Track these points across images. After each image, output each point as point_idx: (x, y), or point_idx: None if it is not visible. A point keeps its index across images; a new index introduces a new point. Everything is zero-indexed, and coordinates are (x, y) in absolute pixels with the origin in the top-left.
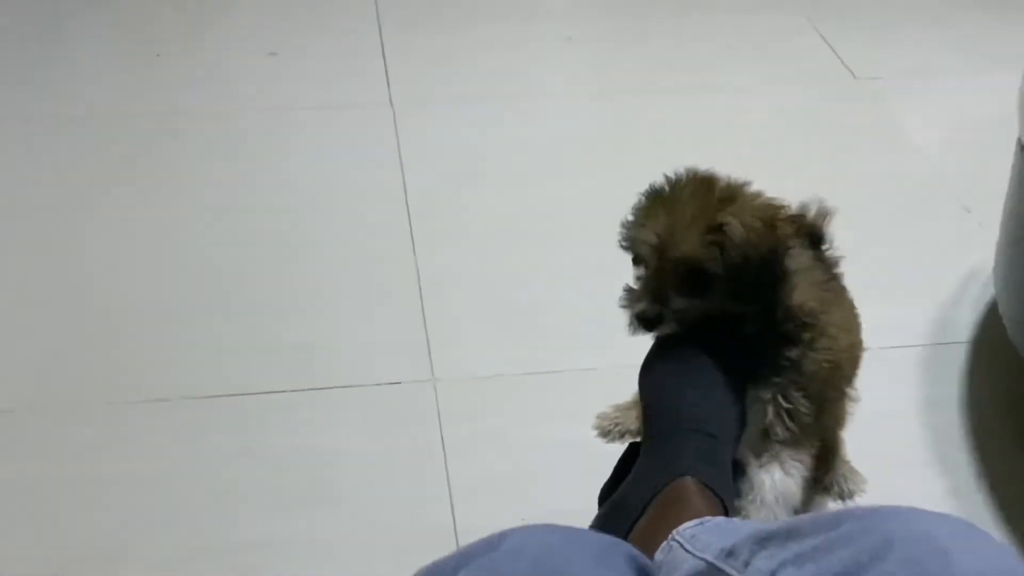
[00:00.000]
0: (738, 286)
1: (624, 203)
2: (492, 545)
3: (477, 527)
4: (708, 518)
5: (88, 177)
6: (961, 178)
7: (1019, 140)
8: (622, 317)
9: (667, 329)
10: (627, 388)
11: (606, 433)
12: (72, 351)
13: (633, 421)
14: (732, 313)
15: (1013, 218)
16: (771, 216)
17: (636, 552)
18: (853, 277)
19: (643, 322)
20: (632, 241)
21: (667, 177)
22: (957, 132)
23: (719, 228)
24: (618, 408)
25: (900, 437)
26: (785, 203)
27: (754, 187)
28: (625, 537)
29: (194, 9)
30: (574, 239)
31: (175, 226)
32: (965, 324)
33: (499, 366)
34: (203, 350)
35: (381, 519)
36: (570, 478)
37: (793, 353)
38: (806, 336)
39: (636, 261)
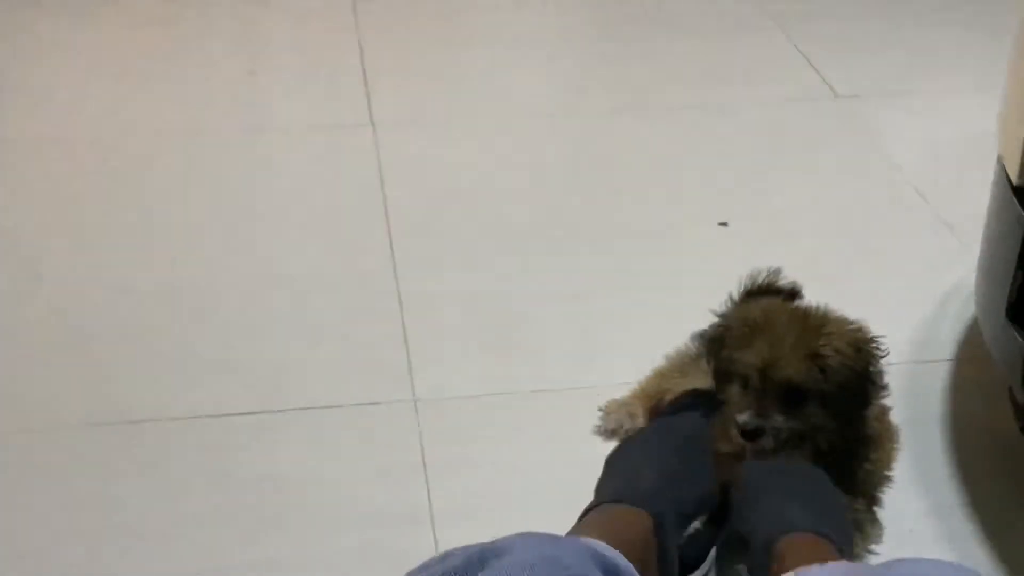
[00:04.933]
0: (834, 404)
1: (606, 222)
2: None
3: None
4: (803, 569)
5: (65, 198)
6: (943, 196)
7: (999, 158)
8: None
9: (765, 443)
10: None
11: (612, 433)
12: (45, 373)
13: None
14: (818, 429)
15: (992, 235)
16: (858, 340)
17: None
18: (835, 295)
19: (746, 433)
20: (736, 363)
21: (751, 303)
22: (939, 149)
23: (818, 355)
24: (623, 404)
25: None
26: (865, 326)
27: (837, 312)
28: None
29: (174, 28)
30: (556, 258)
31: (151, 246)
32: (947, 342)
33: (481, 386)
34: (180, 371)
35: (361, 542)
36: (553, 499)
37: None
38: (872, 456)
39: (724, 377)
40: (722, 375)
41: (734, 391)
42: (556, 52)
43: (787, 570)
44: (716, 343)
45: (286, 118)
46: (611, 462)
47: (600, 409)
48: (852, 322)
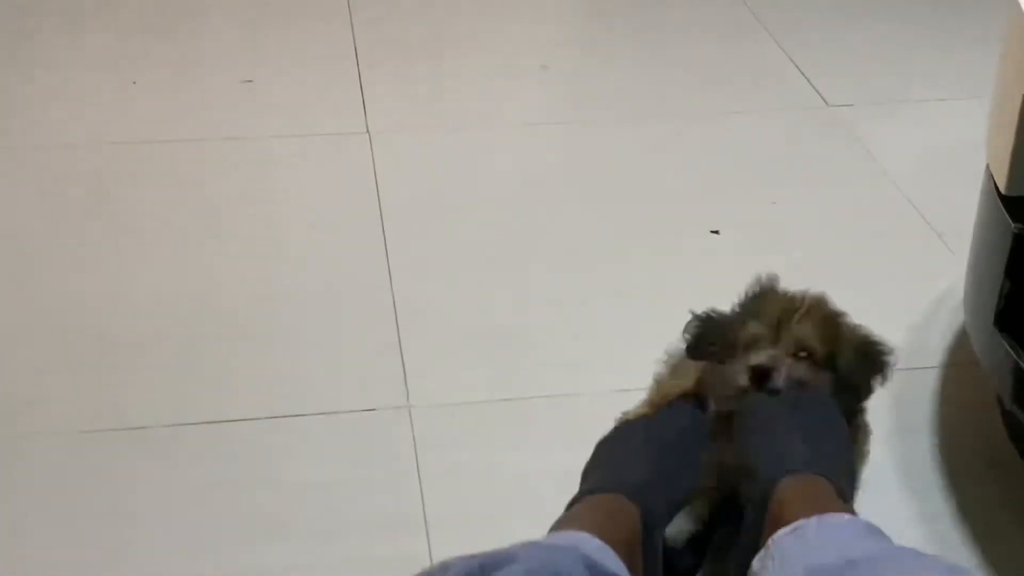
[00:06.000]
0: (842, 377)
1: (599, 230)
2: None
3: (458, 555)
4: (802, 523)
5: (61, 206)
6: (933, 204)
7: (987, 167)
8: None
9: (776, 382)
10: (605, 414)
11: None
12: (44, 379)
13: None
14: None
15: (981, 244)
16: (869, 344)
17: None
18: None
19: (758, 372)
20: (752, 313)
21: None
22: (929, 158)
23: (833, 326)
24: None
25: (870, 461)
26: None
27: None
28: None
29: (169, 36)
30: (550, 266)
31: (148, 255)
32: (936, 349)
33: (475, 393)
34: (176, 378)
35: (355, 549)
36: (548, 507)
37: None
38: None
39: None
40: (725, 348)
41: (744, 335)
42: (550, 61)
43: (785, 517)
44: (718, 329)
45: (282, 126)
46: (601, 448)
47: (616, 421)
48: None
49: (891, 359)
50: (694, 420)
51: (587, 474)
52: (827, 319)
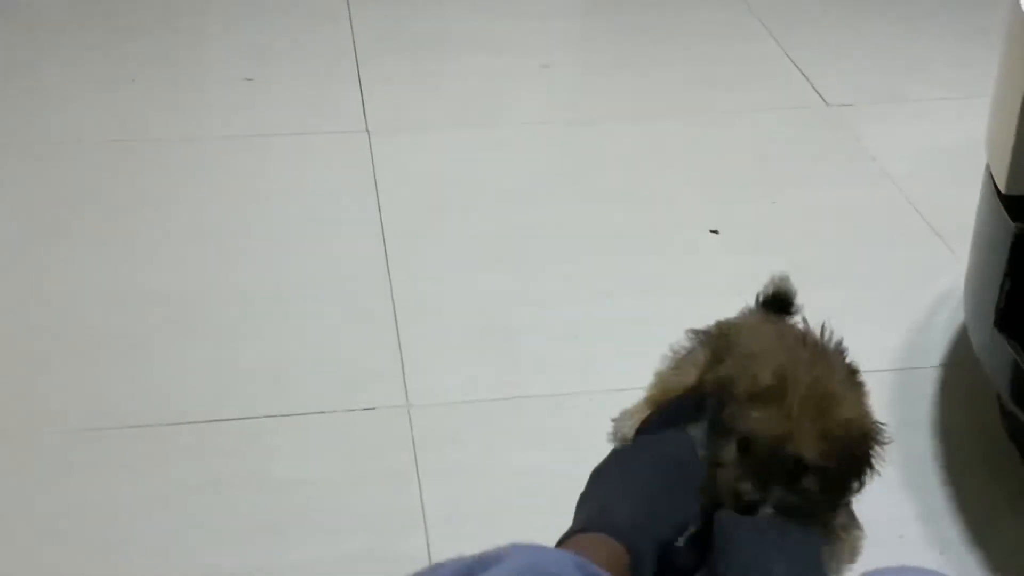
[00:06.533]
0: (833, 480)
1: (598, 229)
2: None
3: (453, 555)
4: None
5: (59, 203)
6: (932, 204)
7: (987, 166)
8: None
9: (762, 514)
10: (604, 413)
11: (625, 441)
12: (38, 377)
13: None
14: (814, 504)
15: (981, 244)
16: (869, 427)
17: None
18: (825, 302)
19: (744, 505)
20: (742, 421)
21: (777, 371)
22: (929, 158)
23: (832, 435)
24: (634, 411)
25: None
26: (872, 415)
27: (846, 380)
28: None
29: (170, 34)
30: (549, 265)
31: (146, 251)
32: (936, 348)
33: (474, 391)
34: (174, 376)
35: (354, 548)
36: (546, 505)
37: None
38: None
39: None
40: (721, 428)
41: (731, 452)
42: (549, 60)
43: None
44: (719, 393)
45: (281, 125)
46: (594, 480)
47: (612, 420)
48: (863, 403)
49: (882, 449)
50: (686, 447)
51: (580, 507)
52: (830, 419)
